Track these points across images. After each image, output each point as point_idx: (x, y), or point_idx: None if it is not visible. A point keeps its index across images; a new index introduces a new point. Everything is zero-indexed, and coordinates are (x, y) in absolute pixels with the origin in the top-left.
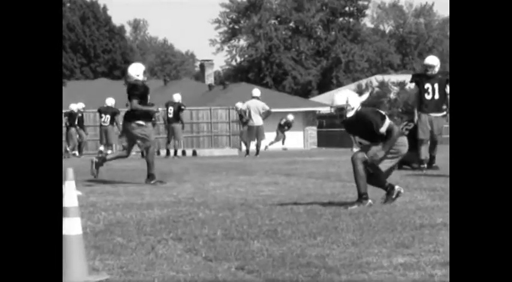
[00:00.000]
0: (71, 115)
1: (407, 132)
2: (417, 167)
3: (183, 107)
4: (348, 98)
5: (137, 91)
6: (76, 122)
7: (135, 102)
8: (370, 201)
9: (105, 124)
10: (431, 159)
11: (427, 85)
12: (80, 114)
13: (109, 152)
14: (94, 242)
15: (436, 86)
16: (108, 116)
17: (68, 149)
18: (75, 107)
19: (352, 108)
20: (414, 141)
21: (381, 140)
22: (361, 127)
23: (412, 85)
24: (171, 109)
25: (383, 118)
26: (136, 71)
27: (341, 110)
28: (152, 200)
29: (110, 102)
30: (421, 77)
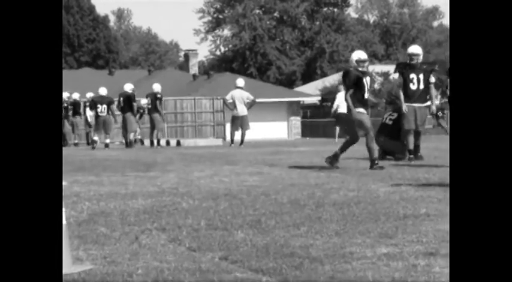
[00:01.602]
0: (75, 104)
1: (391, 123)
2: (401, 157)
3: (158, 96)
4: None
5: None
6: (81, 110)
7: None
8: None
9: (103, 114)
10: (416, 148)
11: (412, 75)
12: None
13: (107, 140)
14: (78, 232)
15: (421, 76)
16: (105, 106)
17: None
18: (76, 95)
19: None
20: (398, 132)
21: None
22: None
23: (396, 75)
24: (149, 99)
25: None
26: (357, 57)
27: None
28: (136, 190)
29: (103, 91)
30: (406, 67)
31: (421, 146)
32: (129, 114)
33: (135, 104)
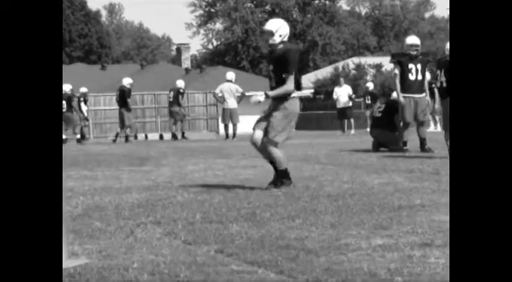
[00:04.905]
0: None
1: (380, 115)
2: (395, 148)
3: (181, 91)
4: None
5: None
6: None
7: None
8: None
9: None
10: (422, 141)
11: (411, 65)
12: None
13: (64, 136)
14: (73, 227)
15: (419, 66)
16: (64, 102)
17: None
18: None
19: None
20: (389, 123)
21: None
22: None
23: (389, 67)
24: (171, 93)
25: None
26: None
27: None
28: (130, 184)
29: (67, 88)
30: (404, 57)
31: (414, 138)
32: (122, 110)
33: (129, 100)
